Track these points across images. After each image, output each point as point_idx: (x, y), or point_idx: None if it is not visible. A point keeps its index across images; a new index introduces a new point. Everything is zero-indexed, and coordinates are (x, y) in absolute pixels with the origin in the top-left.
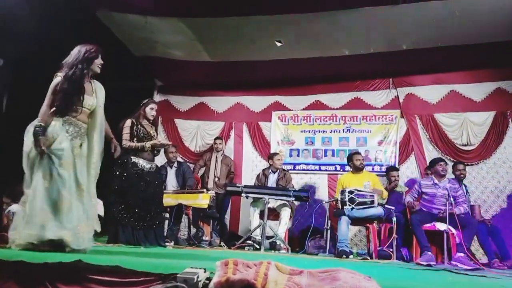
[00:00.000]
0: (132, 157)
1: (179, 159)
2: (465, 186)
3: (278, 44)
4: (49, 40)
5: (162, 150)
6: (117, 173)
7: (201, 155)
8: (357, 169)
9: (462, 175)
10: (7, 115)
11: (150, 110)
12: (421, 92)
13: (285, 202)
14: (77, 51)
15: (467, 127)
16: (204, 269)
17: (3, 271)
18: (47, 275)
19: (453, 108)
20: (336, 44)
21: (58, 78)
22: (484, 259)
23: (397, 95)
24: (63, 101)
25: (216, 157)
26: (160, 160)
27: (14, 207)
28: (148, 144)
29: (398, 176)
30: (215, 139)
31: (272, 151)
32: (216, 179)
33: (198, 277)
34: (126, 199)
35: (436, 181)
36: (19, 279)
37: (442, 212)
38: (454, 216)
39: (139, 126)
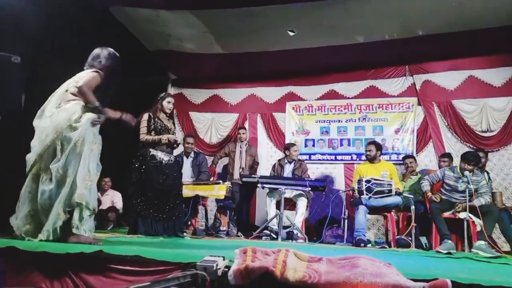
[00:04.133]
0: (151, 150)
1: (196, 150)
2: (488, 173)
3: (291, 33)
4: (64, 37)
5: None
6: (136, 165)
7: (218, 146)
8: (368, 160)
9: (481, 163)
10: (26, 112)
11: (168, 104)
12: (438, 78)
13: (301, 192)
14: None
15: (487, 113)
16: (223, 257)
17: (28, 261)
18: (70, 265)
19: (472, 94)
20: (350, 32)
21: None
22: (506, 247)
23: (414, 82)
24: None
25: (241, 147)
26: (177, 150)
27: None
28: (164, 137)
29: (411, 162)
30: (239, 129)
31: (287, 141)
32: (241, 170)
33: (217, 265)
34: (145, 191)
35: (460, 174)
36: (43, 269)
37: (458, 207)
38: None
39: (156, 119)
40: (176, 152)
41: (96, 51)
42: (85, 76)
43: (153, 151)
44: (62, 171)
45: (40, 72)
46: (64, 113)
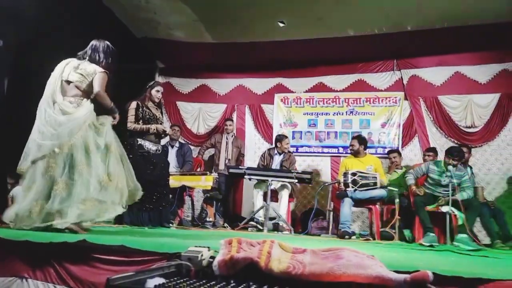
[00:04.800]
0: (138, 139)
1: (181, 140)
2: (471, 168)
3: (281, 25)
4: (50, 21)
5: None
6: None
7: (205, 137)
8: (352, 154)
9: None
10: (8, 97)
11: (156, 93)
12: (425, 74)
13: (285, 183)
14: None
15: (472, 109)
16: (208, 247)
17: (10, 250)
18: (53, 254)
19: (458, 90)
20: (340, 25)
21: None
22: (487, 240)
23: (401, 77)
24: None
25: (227, 139)
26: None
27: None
28: (153, 127)
29: (395, 157)
30: (226, 120)
31: (274, 133)
32: (227, 161)
33: (202, 255)
34: None
35: (444, 169)
36: (25, 259)
37: (441, 201)
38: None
39: (144, 108)
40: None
41: (94, 43)
42: (98, 79)
43: (140, 141)
44: (88, 171)
45: (26, 56)
46: (84, 111)
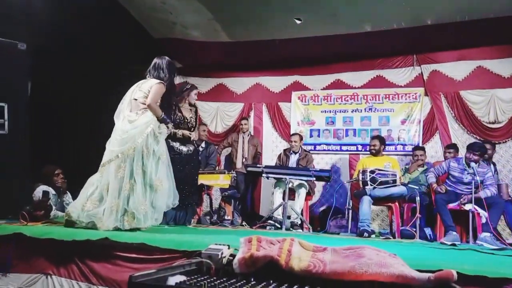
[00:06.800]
0: (169, 141)
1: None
2: (494, 164)
3: (298, 22)
4: (68, 23)
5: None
6: None
7: (223, 136)
8: (372, 154)
9: (487, 155)
10: (32, 100)
11: (194, 96)
12: (446, 68)
13: (302, 182)
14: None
15: (495, 104)
16: (228, 245)
17: (34, 247)
18: (76, 252)
19: (480, 84)
20: (357, 20)
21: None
22: (511, 239)
23: (421, 72)
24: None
25: (243, 138)
26: None
27: (42, 188)
28: (180, 132)
29: (421, 155)
30: (241, 119)
31: (292, 131)
32: (244, 159)
33: (222, 253)
34: None
35: (466, 166)
36: (50, 256)
37: (464, 199)
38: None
39: (176, 111)
40: None
41: (156, 61)
42: (152, 92)
43: (171, 142)
44: (147, 175)
45: (46, 58)
46: (146, 119)
